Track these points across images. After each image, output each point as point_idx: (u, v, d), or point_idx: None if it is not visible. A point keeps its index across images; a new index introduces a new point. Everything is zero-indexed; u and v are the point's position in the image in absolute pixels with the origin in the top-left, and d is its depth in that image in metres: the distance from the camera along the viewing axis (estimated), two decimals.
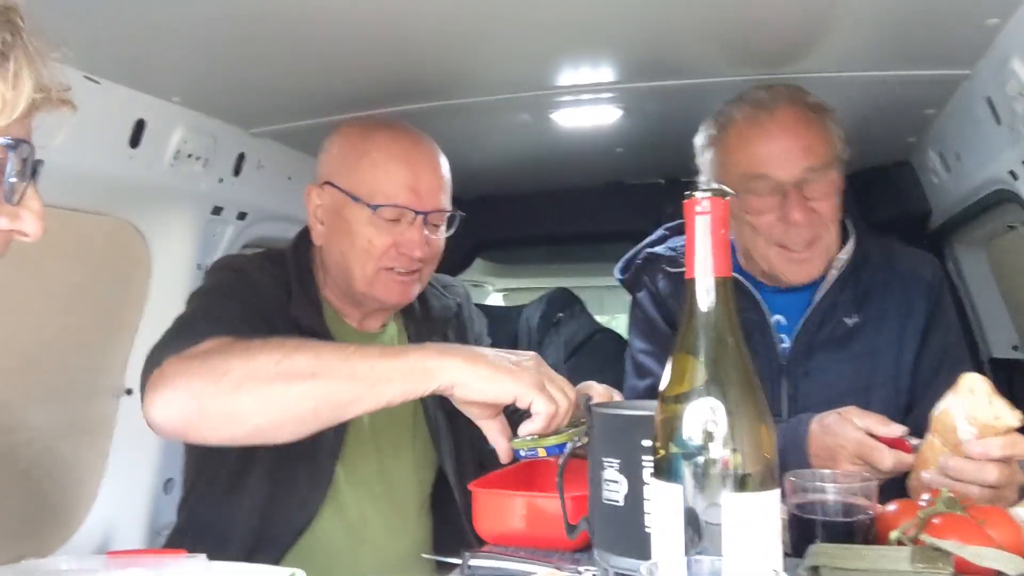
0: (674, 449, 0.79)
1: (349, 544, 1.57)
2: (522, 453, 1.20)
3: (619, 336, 2.40)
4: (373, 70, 1.68)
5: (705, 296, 0.79)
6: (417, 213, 1.56)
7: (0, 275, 1.64)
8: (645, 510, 0.89)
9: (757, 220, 1.61)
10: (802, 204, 1.57)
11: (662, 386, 0.81)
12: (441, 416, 1.72)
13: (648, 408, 0.87)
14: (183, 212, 1.95)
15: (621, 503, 0.92)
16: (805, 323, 1.65)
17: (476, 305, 2.03)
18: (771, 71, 1.73)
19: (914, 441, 1.30)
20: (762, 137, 1.59)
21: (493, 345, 1.71)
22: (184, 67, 1.60)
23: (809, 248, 1.60)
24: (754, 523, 0.75)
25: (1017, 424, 1.18)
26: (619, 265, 1.86)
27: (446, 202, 1.63)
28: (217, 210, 2.04)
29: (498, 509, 1.19)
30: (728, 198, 0.80)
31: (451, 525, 1.65)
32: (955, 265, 2.59)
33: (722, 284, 0.79)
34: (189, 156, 1.82)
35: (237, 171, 2.02)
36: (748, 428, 0.77)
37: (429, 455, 1.72)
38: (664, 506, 0.79)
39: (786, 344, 1.66)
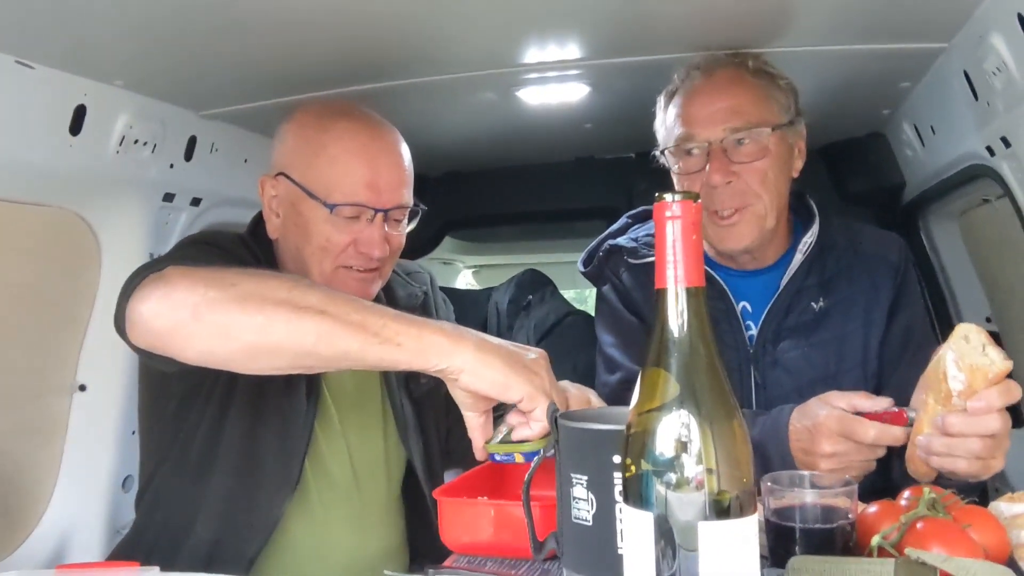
0: (645, 467, 0.74)
1: (315, 546, 1.52)
2: (497, 457, 1.15)
3: (590, 318, 2.35)
4: (332, 48, 1.59)
5: (677, 308, 0.73)
6: (377, 211, 1.49)
7: None
8: (616, 530, 0.84)
9: (685, 182, 1.58)
10: (724, 167, 1.54)
11: (632, 402, 0.76)
12: (409, 407, 1.66)
13: (619, 420, 0.81)
14: (132, 200, 1.86)
15: (590, 522, 0.87)
16: (771, 309, 1.61)
17: (442, 289, 1.97)
18: (742, 47, 1.67)
19: (910, 412, 1.26)
20: (694, 98, 1.58)
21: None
22: (126, 48, 1.50)
23: (736, 214, 1.56)
24: (732, 548, 0.70)
25: (1010, 367, 1.15)
26: (582, 257, 1.82)
27: (407, 196, 1.55)
28: (169, 197, 1.94)
29: (464, 518, 1.14)
30: (699, 202, 0.74)
31: (423, 524, 1.60)
32: (928, 238, 2.57)
33: (695, 295, 0.74)
34: (136, 142, 1.73)
35: (188, 156, 1.92)
36: (725, 446, 0.73)
37: (398, 451, 1.67)
38: (635, 528, 0.74)
39: (752, 332, 1.62)
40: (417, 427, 1.66)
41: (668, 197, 0.73)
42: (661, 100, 1.67)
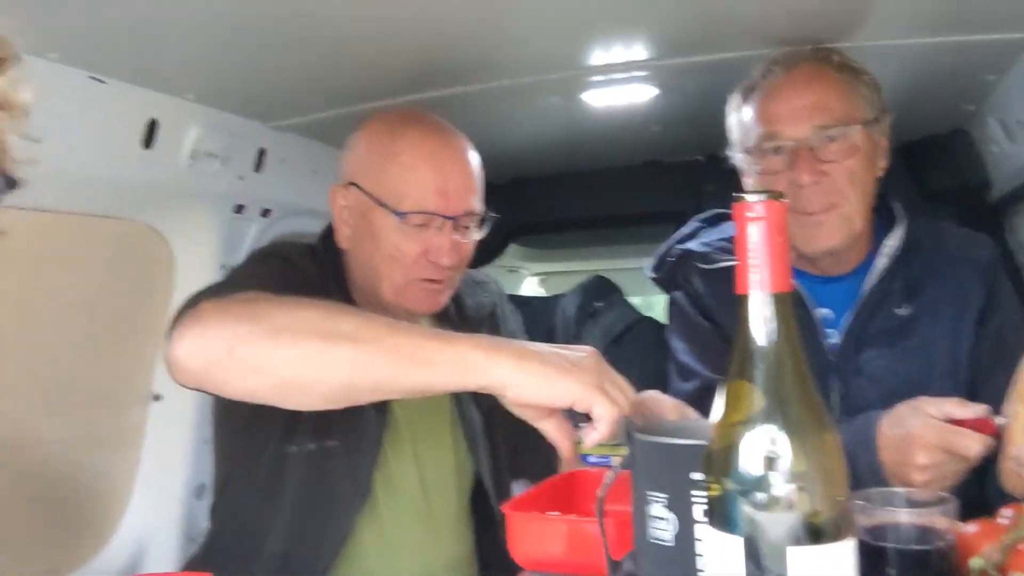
0: (730, 486, 0.69)
1: (385, 558, 1.51)
2: (591, 459, 1.11)
3: (660, 325, 2.29)
4: (397, 57, 1.59)
5: (761, 315, 0.69)
6: (446, 218, 1.47)
7: (18, 287, 1.60)
8: (698, 551, 0.80)
9: (769, 182, 1.50)
10: (811, 166, 1.46)
11: (714, 416, 0.72)
12: (478, 418, 1.64)
13: (700, 433, 0.77)
14: (204, 212, 1.89)
15: (671, 543, 0.83)
16: (854, 315, 1.53)
17: (509, 297, 1.94)
18: (817, 42, 1.60)
19: (998, 420, 1.18)
20: (776, 94, 1.51)
21: (530, 339, 1.63)
22: (197, 62, 1.52)
23: (823, 213, 1.49)
24: (826, 575, 0.65)
25: None
26: (651, 263, 1.77)
27: (476, 203, 1.53)
28: (239, 208, 1.97)
29: (535, 534, 1.10)
30: (785, 200, 0.69)
31: (492, 537, 1.57)
32: (1016, 238, 2.44)
33: (781, 300, 0.69)
34: (207, 154, 1.76)
35: (258, 167, 1.94)
36: (817, 463, 0.68)
37: (467, 462, 1.64)
38: (719, 552, 0.69)
39: (834, 340, 1.55)
40: (486, 438, 1.63)
41: (750, 197, 0.69)
42: (736, 98, 1.61)
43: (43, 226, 1.61)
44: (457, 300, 1.67)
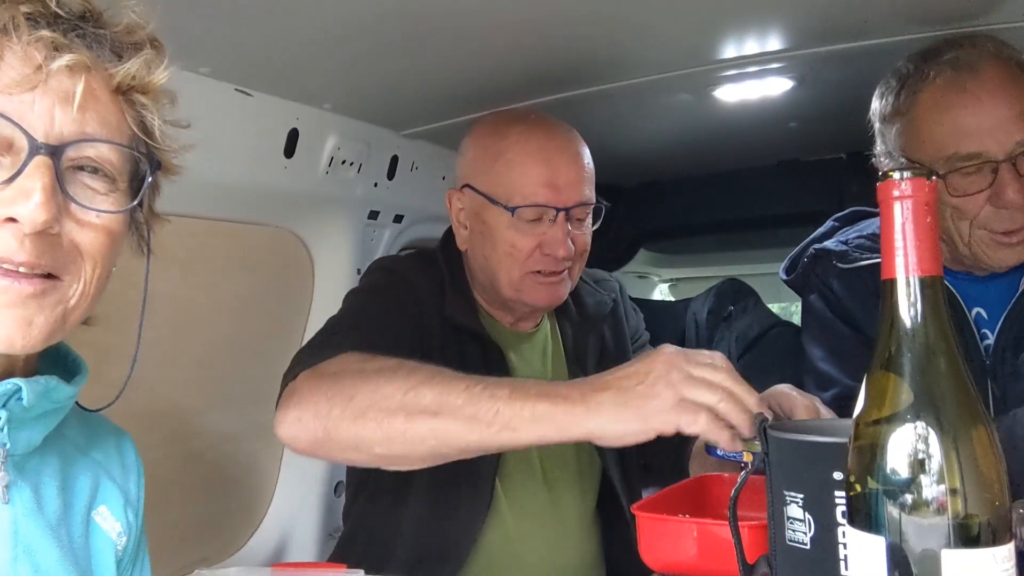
0: (873, 486, 0.65)
1: (511, 562, 1.51)
2: (719, 452, 1.07)
3: (798, 329, 2.18)
4: (521, 60, 1.60)
5: (909, 301, 0.64)
6: (558, 210, 1.47)
7: (173, 289, 1.71)
8: (839, 556, 0.75)
9: (962, 202, 1.37)
10: (1017, 181, 1.32)
11: (857, 411, 0.67)
12: None
13: (839, 431, 0.72)
14: (341, 218, 1.96)
15: (808, 546, 0.78)
16: (1010, 314, 1.42)
17: (637, 301, 1.91)
18: (969, 24, 1.48)
19: None
20: (967, 104, 1.34)
21: (657, 342, 1.60)
22: (334, 73, 1.59)
23: (1020, 232, 1.36)
24: None
25: None
26: (784, 264, 1.69)
27: (589, 194, 1.53)
28: (373, 214, 2.04)
29: (665, 537, 1.07)
30: (934, 179, 0.64)
31: (620, 538, 1.54)
32: None
33: (930, 285, 0.64)
34: (343, 162, 1.83)
35: (391, 174, 2.00)
36: (972, 462, 0.62)
37: (593, 462, 1.62)
38: (864, 555, 0.65)
39: (989, 341, 1.43)
40: None
41: (896, 175, 0.64)
42: (887, 99, 1.47)
43: (197, 233, 1.71)
44: (576, 297, 1.66)
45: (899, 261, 0.64)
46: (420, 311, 1.48)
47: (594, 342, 1.66)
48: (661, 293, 3.98)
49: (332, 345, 1.32)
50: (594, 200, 1.54)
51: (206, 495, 1.86)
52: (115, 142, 0.84)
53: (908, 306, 0.64)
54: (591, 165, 1.55)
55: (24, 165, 0.77)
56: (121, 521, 0.95)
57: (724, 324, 2.36)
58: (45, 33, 0.78)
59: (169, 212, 1.63)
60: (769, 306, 2.71)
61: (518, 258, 1.50)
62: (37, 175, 0.77)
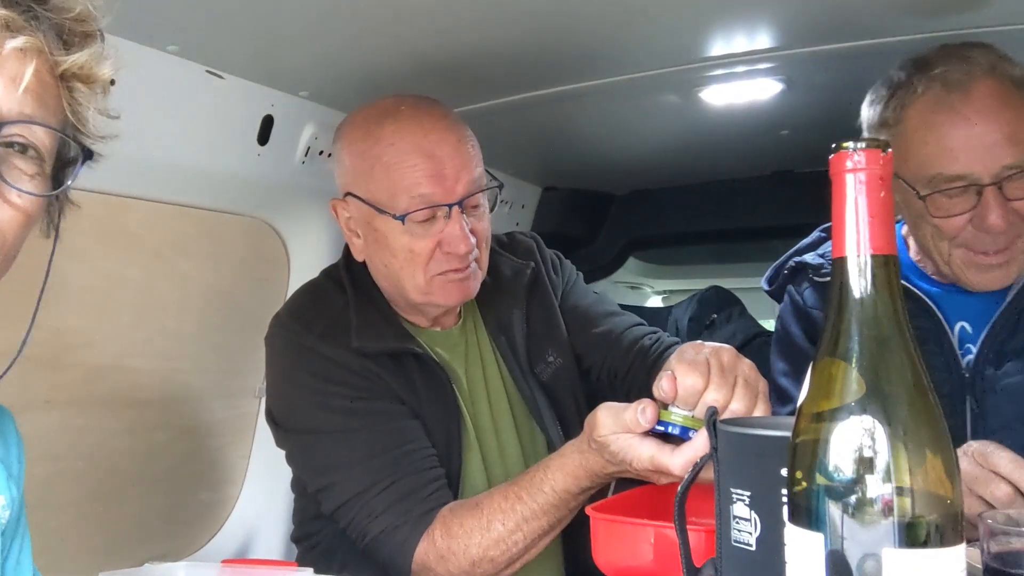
0: (817, 483, 0.60)
1: None
2: (670, 428, 1.08)
3: None
4: (505, 54, 1.57)
5: (859, 279, 0.59)
6: (450, 206, 1.39)
7: (140, 276, 1.66)
8: (784, 558, 0.70)
9: (943, 223, 1.33)
10: (1002, 207, 1.28)
11: (801, 399, 0.62)
12: (542, 400, 1.58)
13: (789, 427, 0.68)
14: (317, 210, 1.91)
15: (753, 547, 0.73)
16: (993, 328, 1.37)
17: (621, 306, 1.84)
18: (971, 23, 1.44)
19: None
20: (954, 124, 1.29)
21: None
22: (312, 59, 1.55)
23: (1001, 254, 1.32)
24: None
25: None
26: (767, 274, 1.65)
27: (479, 178, 1.44)
28: None
29: (620, 540, 1.02)
30: (889, 151, 0.60)
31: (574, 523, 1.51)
32: None
33: (883, 264, 0.59)
34: (320, 153, 1.78)
35: None
36: (920, 459, 0.57)
37: (535, 441, 1.60)
38: (802, 554, 0.60)
39: (971, 355, 1.39)
40: (552, 412, 1.57)
41: (849, 145, 0.60)
42: (876, 108, 1.42)
43: (166, 218, 1.67)
44: (495, 274, 1.59)
45: (850, 237, 0.59)
46: (340, 370, 1.43)
47: (519, 316, 1.59)
48: (654, 305, 3.93)
49: (352, 494, 1.39)
50: (485, 183, 1.45)
51: (168, 490, 1.81)
52: (51, 127, 0.83)
53: (859, 287, 0.60)
54: (476, 147, 1.46)
55: None
56: (5, 495, 0.93)
57: (706, 332, 2.32)
58: (1, 12, 0.76)
59: (136, 195, 1.60)
60: (764, 321, 2.66)
61: (419, 263, 1.42)
62: None
